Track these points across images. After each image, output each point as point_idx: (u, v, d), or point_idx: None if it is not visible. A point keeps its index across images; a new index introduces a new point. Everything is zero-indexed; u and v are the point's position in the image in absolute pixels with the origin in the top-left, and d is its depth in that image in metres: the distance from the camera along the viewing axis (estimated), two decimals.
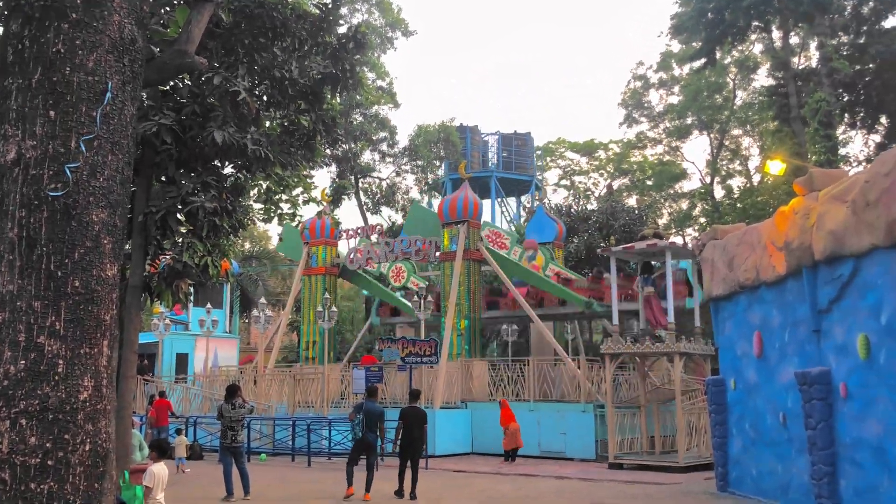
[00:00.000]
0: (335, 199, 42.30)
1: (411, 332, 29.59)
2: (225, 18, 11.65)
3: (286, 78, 12.35)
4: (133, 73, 5.91)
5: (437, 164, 47.24)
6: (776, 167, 25.35)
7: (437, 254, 27.10)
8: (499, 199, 52.27)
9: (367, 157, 45.96)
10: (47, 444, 5.23)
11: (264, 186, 14.11)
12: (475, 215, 26.67)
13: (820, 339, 11.18)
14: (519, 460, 20.94)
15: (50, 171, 5.49)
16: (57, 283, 5.38)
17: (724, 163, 51.86)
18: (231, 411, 13.91)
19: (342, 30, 13.03)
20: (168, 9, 10.97)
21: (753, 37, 44.49)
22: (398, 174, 46.64)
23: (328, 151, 40.70)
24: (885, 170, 9.47)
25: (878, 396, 9.72)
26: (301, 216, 14.28)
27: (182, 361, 34.08)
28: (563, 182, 59.32)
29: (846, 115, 38.72)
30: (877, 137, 39.60)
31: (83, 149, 5.57)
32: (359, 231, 29.93)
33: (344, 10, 41.22)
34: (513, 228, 45.08)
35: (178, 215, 12.00)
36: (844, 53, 37.78)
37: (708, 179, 50.84)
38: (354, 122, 43.64)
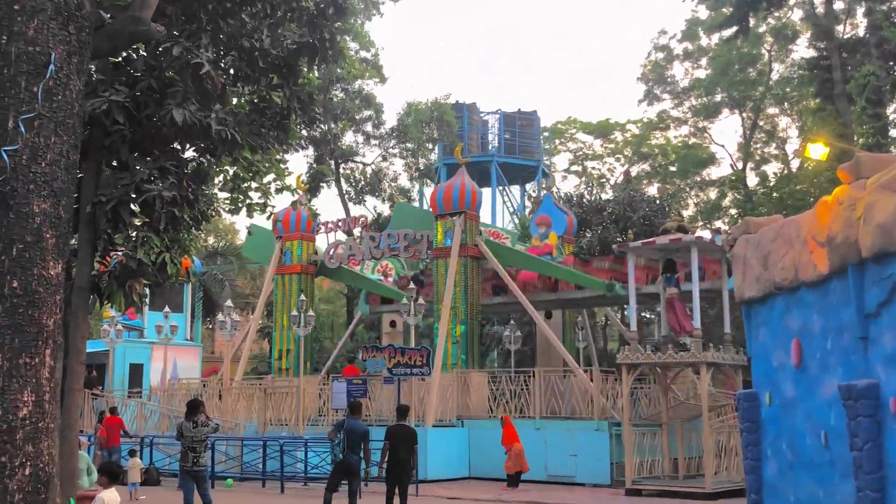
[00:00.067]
0: (312, 187, 42.22)
1: (400, 333, 29.59)
2: None
3: (256, 48, 12.32)
4: (80, 43, 5.89)
5: (430, 147, 47.21)
6: (818, 151, 25.39)
7: (429, 251, 27.09)
8: (500, 188, 52.29)
9: (349, 138, 45.92)
10: None
11: (231, 172, 14.08)
12: (473, 205, 26.65)
13: (867, 348, 11.20)
14: (523, 486, 20.96)
15: None
16: None
17: (758, 146, 51.95)
18: (192, 430, 13.88)
19: None
20: None
21: (792, 1, 44.55)
22: (385, 159, 46.61)
23: (304, 132, 40.61)
24: None
25: None
26: (273, 207, 14.13)
27: (136, 373, 34.02)
28: (574, 168, 59.44)
29: None
30: None
31: (22, 129, 5.54)
32: (339, 224, 29.90)
33: None
34: (516, 221, 45.15)
35: (132, 205, 11.97)
36: None
37: (740, 165, 50.94)
38: (335, 99, 43.57)
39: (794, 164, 49.45)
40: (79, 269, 11.92)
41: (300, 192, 31.45)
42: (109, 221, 11.96)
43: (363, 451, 13.93)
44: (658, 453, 20.70)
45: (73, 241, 11.78)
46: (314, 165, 43.84)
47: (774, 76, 50.22)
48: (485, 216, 43.27)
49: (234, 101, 13.11)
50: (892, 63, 37.72)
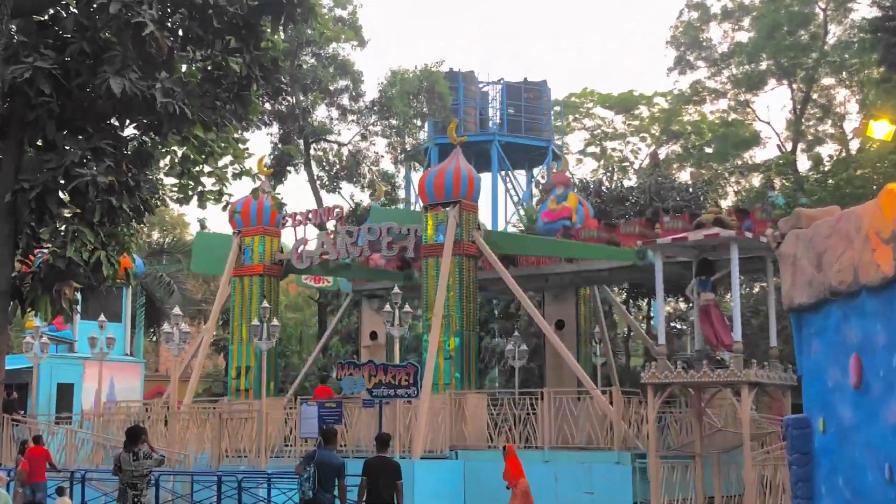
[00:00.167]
0: (277, 171, 42.17)
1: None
2: None
3: (210, 5, 12.30)
4: None
5: (418, 123, 47.19)
6: (882, 129, 25.50)
7: (409, 246, 27.08)
8: (502, 173, 52.40)
9: (321, 113, 45.85)
10: None
11: (179, 154, 14.05)
12: (470, 194, 26.67)
13: None
14: None
15: None
16: None
17: (810, 123, 52.03)
18: (133, 463, 13.85)
19: None
20: None
21: None
22: (364, 138, 46.55)
23: (267, 106, 40.52)
24: None
25: None
26: (230, 195, 14.06)
27: (65, 394, 33.89)
28: (591, 149, 59.51)
29: None
30: None
31: None
32: (310, 216, 29.88)
33: None
34: (521, 212, 45.22)
35: (61, 193, 11.96)
36: None
37: (789, 146, 51.04)
38: (304, 66, 43.48)
39: (854, 144, 49.60)
40: None
41: (262, 178, 31.35)
42: (33, 212, 11.94)
43: (337, 488, 13.91)
44: (690, 491, 20.74)
45: None
46: (279, 146, 43.73)
47: (830, 40, 50.27)
48: (484, 207, 43.38)
49: (184, 68, 13.09)
50: None
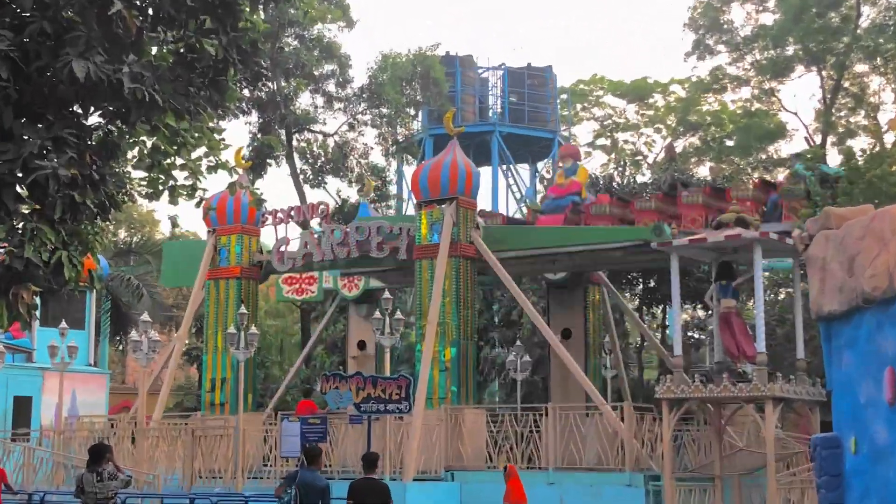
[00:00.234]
0: (257, 164, 42.21)
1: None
2: None
3: None
4: None
5: (412, 112, 47.19)
6: None
7: (401, 248, 27.10)
8: (503, 167, 52.49)
9: (305, 101, 45.90)
10: None
11: (149, 145, 14.01)
12: (468, 190, 26.68)
13: None
14: None
15: None
16: None
17: (841, 114, 52.13)
18: (97, 484, 13.85)
19: None
20: None
21: None
22: (352, 128, 46.57)
23: (246, 92, 40.56)
24: None
25: None
26: (205, 190, 14.04)
27: (23, 408, 33.88)
28: (601, 141, 59.55)
29: None
30: None
31: None
32: (292, 213, 29.88)
33: None
34: (524, 210, 45.20)
35: (18, 187, 11.93)
36: None
37: (817, 139, 51.12)
38: (286, 49, 43.50)
39: (889, 137, 49.65)
40: None
41: (240, 171, 31.38)
42: None
43: None
44: None
45: None
46: (259, 136, 43.79)
47: (864, 23, 50.36)
48: (483, 204, 43.32)
49: (154, 50, 13.05)
50: None
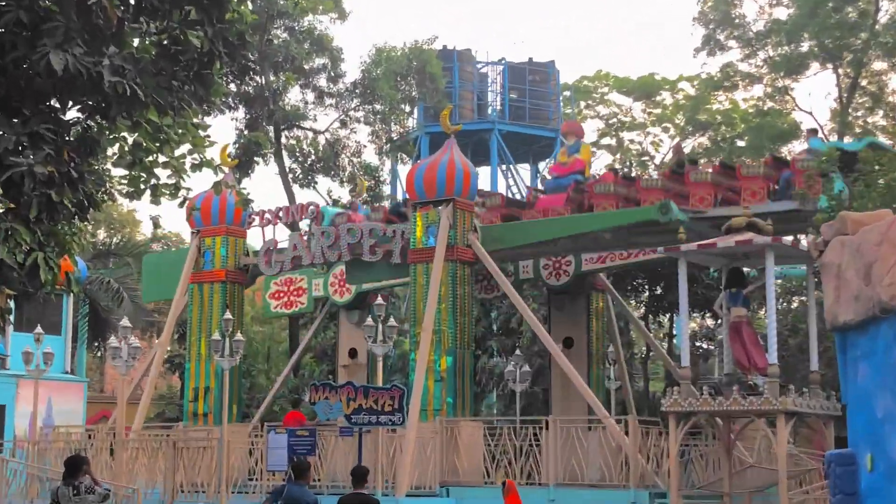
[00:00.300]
0: (243, 162, 42.18)
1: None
2: None
3: None
4: None
5: (407, 109, 47.16)
6: None
7: (395, 251, 27.07)
8: (503, 166, 52.42)
9: (294, 96, 45.84)
10: None
11: (130, 141, 13.98)
12: (465, 191, 26.62)
13: None
14: None
15: None
16: None
17: (859, 114, 52.12)
18: (73, 498, 13.83)
19: None
20: None
21: None
22: (344, 125, 46.53)
23: (232, 87, 40.49)
24: None
25: None
26: (188, 190, 14.01)
27: None
28: (606, 140, 59.51)
29: None
30: None
31: None
32: (280, 214, 29.85)
33: None
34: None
35: None
36: None
37: (833, 139, 51.12)
38: (275, 42, 43.49)
39: None
40: None
41: (226, 170, 31.39)
42: None
43: None
44: None
45: None
46: (245, 133, 43.75)
47: (882, 18, 50.38)
48: None
49: (136, 42, 13.02)
50: None
